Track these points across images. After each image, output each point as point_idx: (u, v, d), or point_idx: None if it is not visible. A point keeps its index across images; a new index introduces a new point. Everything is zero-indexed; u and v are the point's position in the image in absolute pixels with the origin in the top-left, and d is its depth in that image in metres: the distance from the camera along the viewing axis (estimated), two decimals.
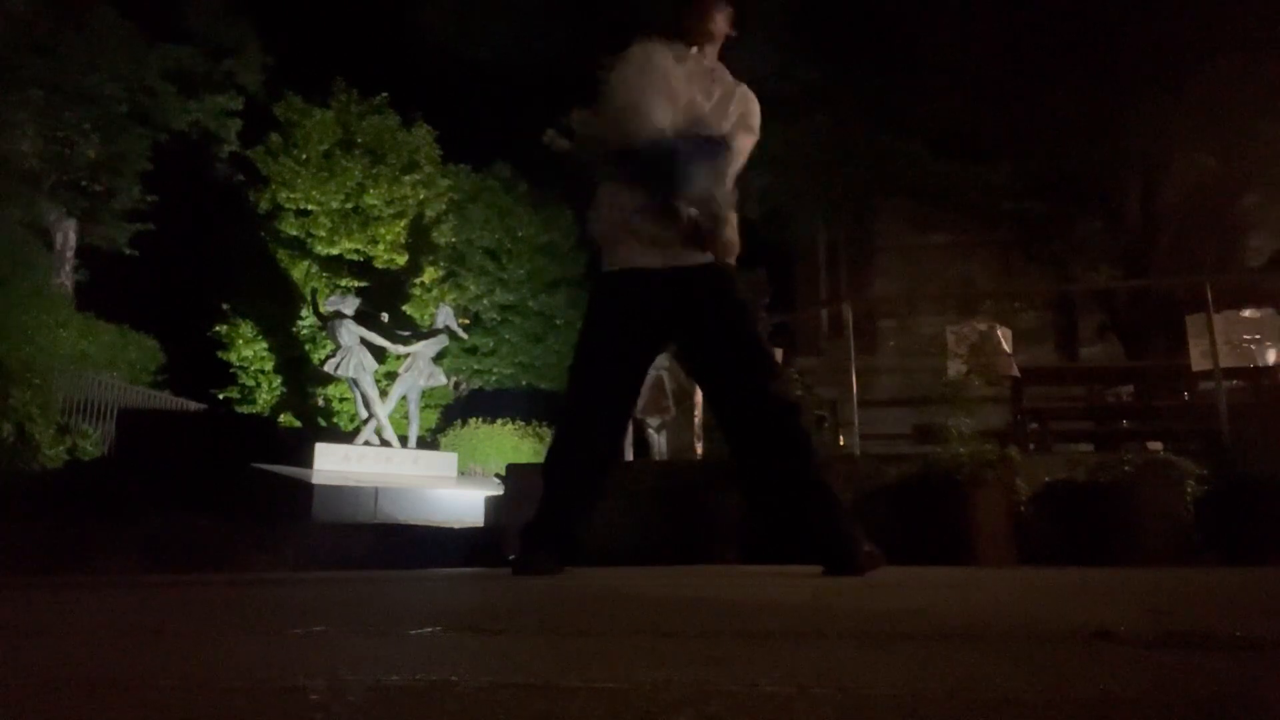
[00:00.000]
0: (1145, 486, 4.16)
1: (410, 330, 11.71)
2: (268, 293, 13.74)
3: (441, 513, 8.03)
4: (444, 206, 14.80)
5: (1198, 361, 6.35)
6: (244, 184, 14.39)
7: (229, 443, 8.96)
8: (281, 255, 13.78)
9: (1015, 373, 6.48)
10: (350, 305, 10.60)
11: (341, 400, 13.30)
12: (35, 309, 11.38)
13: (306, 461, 9.09)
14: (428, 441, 12.48)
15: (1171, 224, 9.81)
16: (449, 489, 9.08)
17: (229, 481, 7.03)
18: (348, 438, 10.58)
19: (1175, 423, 6.94)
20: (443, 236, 14.67)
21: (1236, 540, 3.93)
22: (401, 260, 14.03)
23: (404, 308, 13.61)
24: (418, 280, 14.15)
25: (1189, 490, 4.13)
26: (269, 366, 13.86)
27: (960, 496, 4.11)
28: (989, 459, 4.23)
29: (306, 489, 7.61)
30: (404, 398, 10.92)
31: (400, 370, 11.01)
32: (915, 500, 4.16)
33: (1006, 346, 6.40)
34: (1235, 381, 6.41)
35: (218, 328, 13.86)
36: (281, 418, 13.40)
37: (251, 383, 13.84)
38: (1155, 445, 5.15)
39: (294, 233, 13.70)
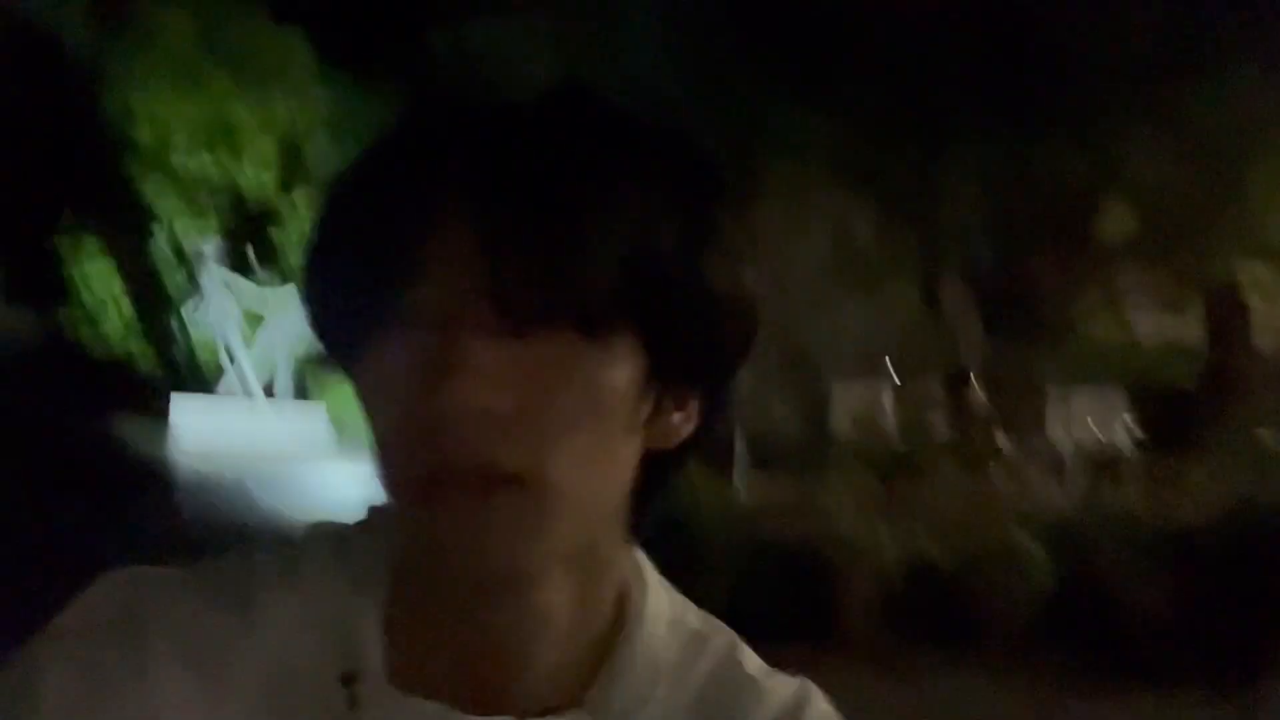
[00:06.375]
0: None
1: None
2: (118, 207, 12.33)
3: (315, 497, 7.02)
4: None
5: None
6: (92, 81, 12.74)
7: (73, 389, 8.25)
8: (135, 167, 12.38)
9: None
10: (212, 246, 9.84)
11: (204, 347, 12.35)
12: None
13: (162, 412, 8.58)
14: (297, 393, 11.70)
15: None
16: (324, 460, 8.20)
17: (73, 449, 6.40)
18: (210, 385, 9.93)
19: None
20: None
21: None
22: (271, 182, 12.72)
23: (276, 235, 12.34)
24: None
25: None
26: (117, 289, 12.52)
27: None
28: None
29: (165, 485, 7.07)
30: (275, 347, 10.30)
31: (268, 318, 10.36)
32: None
33: None
34: None
35: (57, 238, 12.38)
36: (134, 348, 12.20)
37: (96, 302, 12.46)
38: None
39: (147, 140, 12.28)
